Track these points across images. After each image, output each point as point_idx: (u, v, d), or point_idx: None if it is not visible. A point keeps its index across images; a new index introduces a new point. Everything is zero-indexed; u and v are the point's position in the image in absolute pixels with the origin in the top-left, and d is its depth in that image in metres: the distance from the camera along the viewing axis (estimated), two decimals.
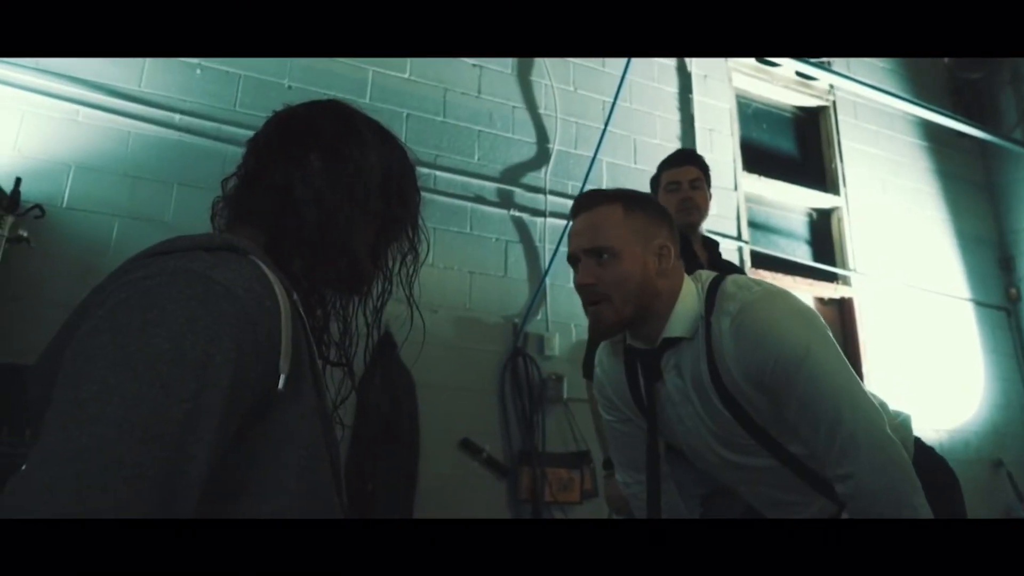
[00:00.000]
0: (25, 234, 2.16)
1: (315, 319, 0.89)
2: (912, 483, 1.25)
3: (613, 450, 1.70)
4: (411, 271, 0.98)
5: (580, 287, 1.41)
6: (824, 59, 4.15)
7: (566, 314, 3.19)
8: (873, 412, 1.29)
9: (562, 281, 3.21)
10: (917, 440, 1.47)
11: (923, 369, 4.14)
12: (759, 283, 1.41)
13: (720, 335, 1.35)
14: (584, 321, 2.56)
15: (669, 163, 2.32)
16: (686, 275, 1.46)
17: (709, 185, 2.30)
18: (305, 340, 0.78)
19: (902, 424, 1.42)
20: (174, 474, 0.59)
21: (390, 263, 0.97)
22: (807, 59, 3.82)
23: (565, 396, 3.07)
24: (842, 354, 1.34)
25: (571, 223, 1.48)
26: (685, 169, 2.26)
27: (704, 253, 2.25)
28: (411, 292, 0.98)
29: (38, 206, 2.23)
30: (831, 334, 1.36)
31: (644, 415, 1.53)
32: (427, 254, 1.00)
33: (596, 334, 1.44)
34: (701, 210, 2.24)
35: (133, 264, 0.71)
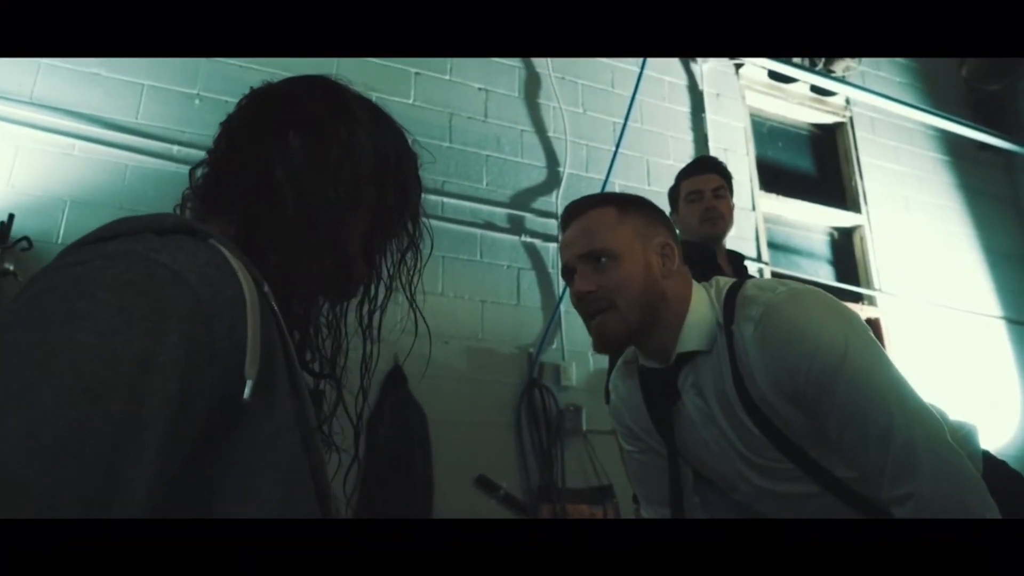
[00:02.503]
0: (11, 267, 2.06)
1: (296, 322, 0.76)
2: (984, 501, 1.07)
3: (636, 483, 1.55)
4: (412, 272, 0.85)
5: (579, 297, 1.27)
6: (838, 66, 4.06)
7: (583, 342, 3.05)
8: (930, 418, 1.12)
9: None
10: (986, 454, 1.30)
11: (956, 391, 3.95)
12: (783, 283, 1.26)
13: (744, 344, 1.20)
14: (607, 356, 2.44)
15: (689, 171, 2.20)
16: (695, 282, 1.32)
17: (732, 193, 2.17)
18: (280, 341, 0.65)
19: (967, 437, 1.26)
20: (101, 506, 0.45)
21: (388, 263, 0.85)
22: (822, 72, 3.72)
23: (584, 428, 2.92)
24: (886, 354, 1.18)
25: (561, 235, 1.35)
26: (706, 177, 2.13)
27: (729, 267, 2.11)
28: (412, 296, 0.85)
29: (25, 238, 2.14)
30: (872, 333, 1.20)
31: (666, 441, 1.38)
32: (431, 251, 0.87)
33: (602, 348, 1.30)
34: (726, 220, 2.11)
35: (67, 250, 0.59)
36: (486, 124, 3.25)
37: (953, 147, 4.61)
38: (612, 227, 1.28)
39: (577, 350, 3.07)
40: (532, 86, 3.42)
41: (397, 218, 0.83)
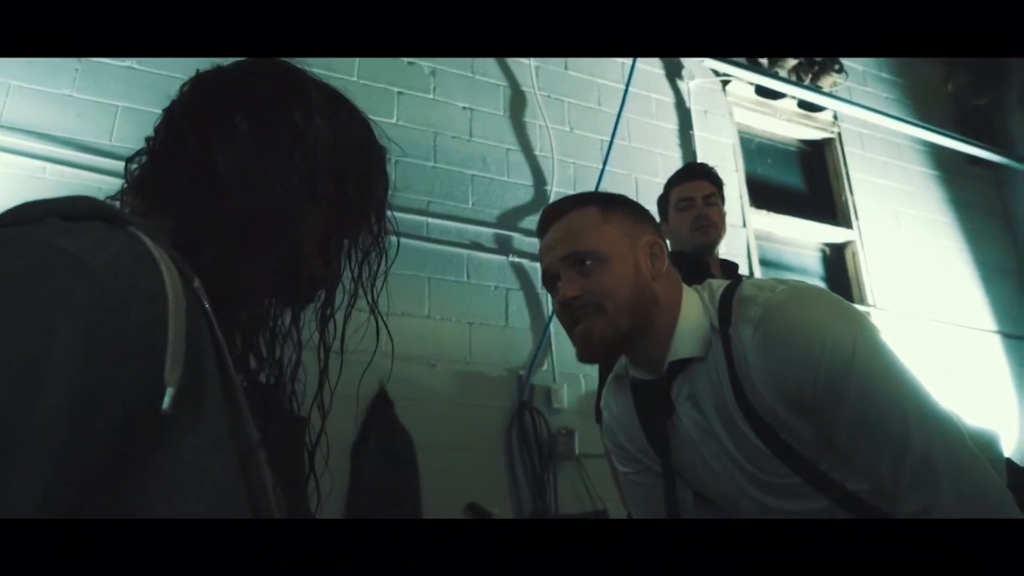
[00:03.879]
0: None
1: (237, 326, 0.66)
2: (1011, 510, 0.99)
3: (633, 507, 1.46)
4: (375, 274, 0.77)
5: (564, 303, 1.18)
6: (825, 81, 4.04)
7: (574, 364, 2.97)
8: (949, 424, 1.04)
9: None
10: (1009, 463, 1.22)
11: (953, 406, 3.87)
12: (784, 281, 1.18)
13: (743, 348, 1.11)
14: (595, 370, 2.36)
15: (678, 179, 2.13)
16: (686, 286, 1.24)
17: (724, 201, 2.10)
18: (213, 345, 0.56)
19: (989, 444, 1.18)
20: None
21: (352, 265, 0.76)
22: (810, 87, 3.69)
23: (577, 452, 2.83)
24: (898, 356, 1.09)
25: (541, 240, 1.26)
26: (697, 184, 2.07)
27: (723, 277, 2.04)
28: (375, 302, 0.76)
29: None
30: (881, 334, 1.11)
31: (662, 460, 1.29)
32: (396, 253, 0.79)
33: (587, 355, 1.20)
34: (719, 228, 2.04)
35: None
36: (471, 143, 3.20)
37: (942, 162, 4.59)
38: (596, 227, 1.19)
39: (568, 372, 2.99)
40: (517, 105, 3.37)
41: (359, 215, 0.75)
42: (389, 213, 0.79)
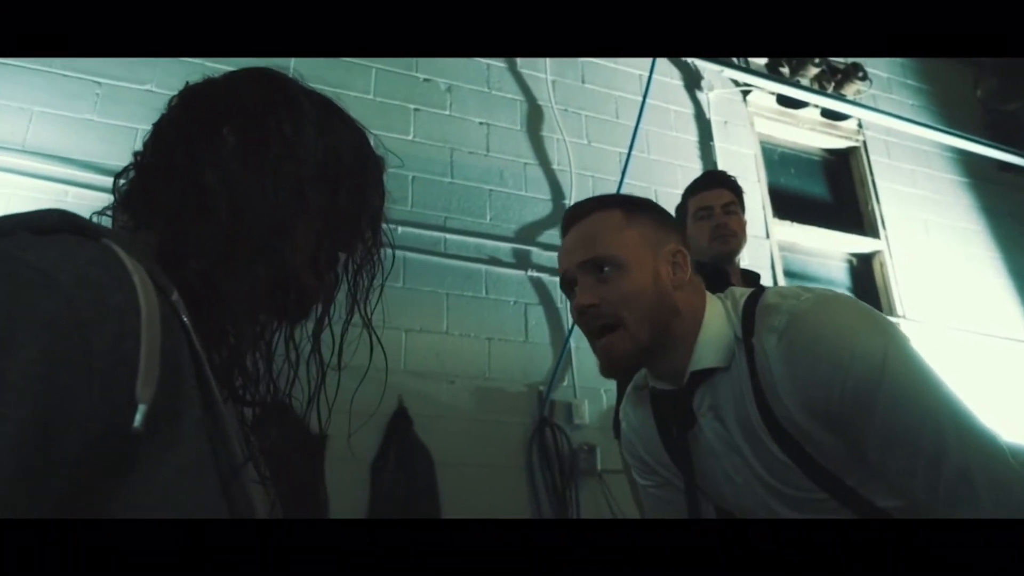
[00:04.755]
0: None
1: (223, 341, 0.64)
2: None
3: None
4: (368, 288, 0.74)
5: (580, 310, 1.15)
6: (848, 89, 3.99)
7: (594, 378, 2.93)
8: (987, 438, 0.98)
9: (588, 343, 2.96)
10: None
11: (988, 420, 3.76)
12: (809, 289, 1.13)
13: (766, 358, 1.06)
14: (615, 385, 2.33)
15: (697, 187, 2.09)
16: (709, 294, 1.20)
17: (744, 209, 2.06)
18: (192, 361, 0.55)
19: None
20: None
21: (348, 278, 0.74)
22: (833, 95, 3.64)
23: (599, 468, 2.78)
24: (932, 367, 1.04)
25: (561, 242, 1.24)
26: (716, 192, 2.03)
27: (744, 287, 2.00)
28: (369, 318, 0.74)
29: None
30: (912, 344, 1.06)
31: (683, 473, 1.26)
32: (392, 265, 0.77)
33: (610, 371, 1.17)
34: (739, 237, 2.00)
35: None
36: (488, 158, 3.19)
37: (971, 169, 4.50)
38: (617, 232, 1.16)
39: (589, 386, 2.95)
40: (534, 119, 3.36)
41: (353, 227, 0.73)
42: (385, 225, 0.77)
